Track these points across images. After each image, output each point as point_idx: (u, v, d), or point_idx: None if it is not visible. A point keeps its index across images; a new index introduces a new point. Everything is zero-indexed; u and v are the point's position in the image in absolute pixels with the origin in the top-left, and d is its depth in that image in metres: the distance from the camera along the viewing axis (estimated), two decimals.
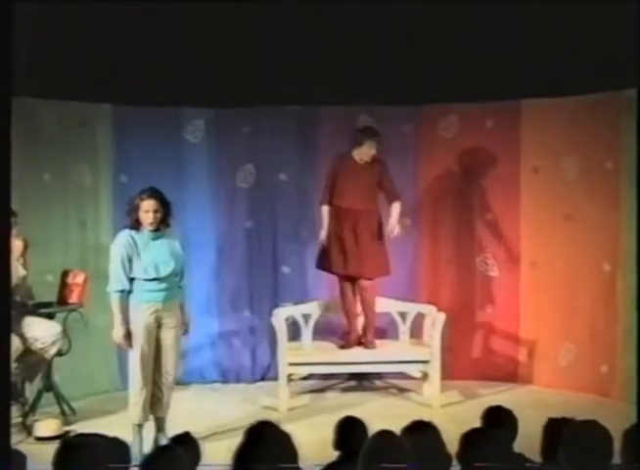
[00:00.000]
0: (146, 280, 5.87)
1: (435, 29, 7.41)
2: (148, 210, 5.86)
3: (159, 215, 5.90)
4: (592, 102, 7.43)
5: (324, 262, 7.56)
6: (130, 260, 5.86)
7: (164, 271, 5.90)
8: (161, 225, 5.96)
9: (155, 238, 5.94)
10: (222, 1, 7.17)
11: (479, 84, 7.56)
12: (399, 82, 7.61)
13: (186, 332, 6.23)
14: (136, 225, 5.91)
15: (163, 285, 5.91)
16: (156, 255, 5.90)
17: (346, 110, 8.02)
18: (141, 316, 5.88)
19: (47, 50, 6.84)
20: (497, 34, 7.30)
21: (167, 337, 5.97)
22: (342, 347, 7.56)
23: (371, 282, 7.51)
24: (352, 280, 7.52)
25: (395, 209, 7.41)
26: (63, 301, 6.92)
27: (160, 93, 7.53)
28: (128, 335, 5.86)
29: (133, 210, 5.90)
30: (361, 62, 7.50)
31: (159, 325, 5.93)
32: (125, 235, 5.93)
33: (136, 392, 5.92)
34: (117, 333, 5.89)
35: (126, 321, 5.87)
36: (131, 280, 5.89)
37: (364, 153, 7.35)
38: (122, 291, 5.88)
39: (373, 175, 7.39)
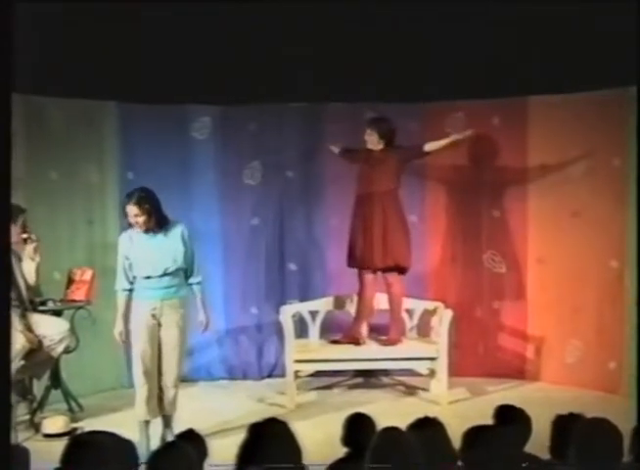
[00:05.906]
0: (144, 278, 5.91)
1: (442, 26, 7.40)
2: (131, 215, 5.84)
3: (141, 220, 5.82)
4: (599, 98, 7.41)
5: (353, 259, 7.40)
6: (129, 259, 5.93)
7: (159, 269, 5.89)
8: (153, 226, 5.89)
9: (150, 237, 5.92)
10: None
11: (485, 81, 7.54)
12: (405, 79, 7.60)
13: (205, 328, 6.21)
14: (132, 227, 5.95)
15: (163, 283, 5.91)
16: (151, 253, 5.89)
17: (352, 107, 8.01)
18: (141, 315, 5.92)
19: (53, 48, 6.85)
20: (503, 31, 7.28)
21: (168, 336, 5.95)
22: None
23: (398, 277, 7.43)
24: (378, 275, 7.40)
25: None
26: (70, 298, 6.94)
27: (166, 91, 7.54)
28: (126, 332, 5.99)
29: (125, 214, 5.91)
30: (367, 59, 7.49)
31: (159, 324, 5.93)
32: (125, 234, 6.01)
33: (139, 389, 5.96)
34: (116, 330, 6.02)
35: (125, 319, 5.97)
36: (134, 278, 5.96)
37: (370, 142, 7.35)
38: (125, 289, 5.98)
39: (392, 158, 7.33)
